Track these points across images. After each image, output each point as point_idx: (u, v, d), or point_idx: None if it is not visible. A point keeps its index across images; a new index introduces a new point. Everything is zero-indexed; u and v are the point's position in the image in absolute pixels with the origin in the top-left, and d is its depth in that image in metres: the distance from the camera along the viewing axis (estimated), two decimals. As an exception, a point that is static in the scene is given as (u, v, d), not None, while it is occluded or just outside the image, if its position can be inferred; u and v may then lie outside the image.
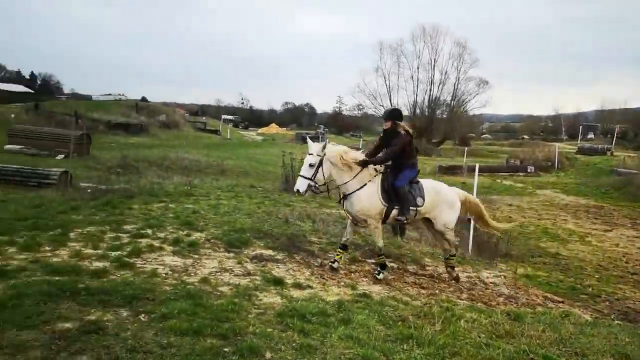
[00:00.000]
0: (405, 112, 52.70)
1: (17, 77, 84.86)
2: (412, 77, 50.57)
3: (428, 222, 6.62)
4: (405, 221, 6.37)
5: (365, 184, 6.19)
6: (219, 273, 5.30)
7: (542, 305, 5.61)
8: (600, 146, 36.55)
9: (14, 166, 11.76)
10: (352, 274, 6.07)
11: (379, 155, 6.44)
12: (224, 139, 42.60)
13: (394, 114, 6.51)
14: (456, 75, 49.76)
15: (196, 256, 5.79)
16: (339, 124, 72.82)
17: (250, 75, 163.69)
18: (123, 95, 60.14)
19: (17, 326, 3.20)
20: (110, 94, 60.64)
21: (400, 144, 6.26)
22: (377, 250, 6.32)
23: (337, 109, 79.21)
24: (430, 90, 50.80)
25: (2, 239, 5.46)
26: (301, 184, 5.93)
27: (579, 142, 45.95)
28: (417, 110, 52.09)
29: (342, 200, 6.31)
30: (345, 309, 4.48)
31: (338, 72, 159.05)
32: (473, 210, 7.03)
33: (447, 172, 24.03)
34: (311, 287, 5.23)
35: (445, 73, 49.86)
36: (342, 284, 5.56)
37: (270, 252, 6.48)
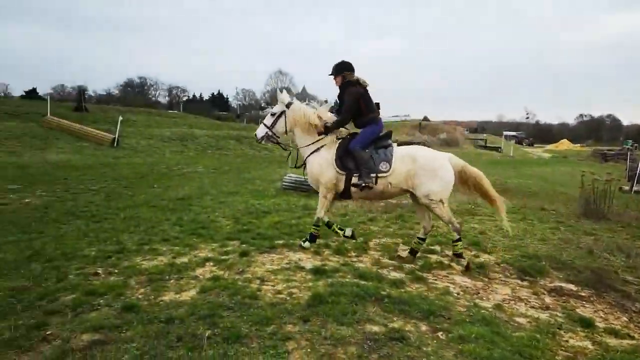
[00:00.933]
0: None
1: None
2: None
3: (413, 196, 5.66)
4: (364, 186, 5.49)
5: (319, 149, 5.73)
6: (513, 302, 4.91)
7: None
8: None
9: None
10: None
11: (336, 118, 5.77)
12: (506, 156, 40.40)
13: (340, 67, 5.73)
14: None
15: (486, 279, 5.53)
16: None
17: (536, 87, 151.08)
18: (408, 116, 64.49)
19: (337, 321, 3.68)
20: (397, 115, 65.98)
21: (352, 98, 5.61)
22: (315, 220, 5.92)
23: (652, 120, 64.81)
24: None
25: (320, 242, 6.47)
26: (259, 131, 5.87)
27: None
28: None
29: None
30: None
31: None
32: (472, 182, 5.72)
33: None
34: (631, 337, 4.26)
35: None
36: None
37: (571, 286, 5.65)
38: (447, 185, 5.56)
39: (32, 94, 54.95)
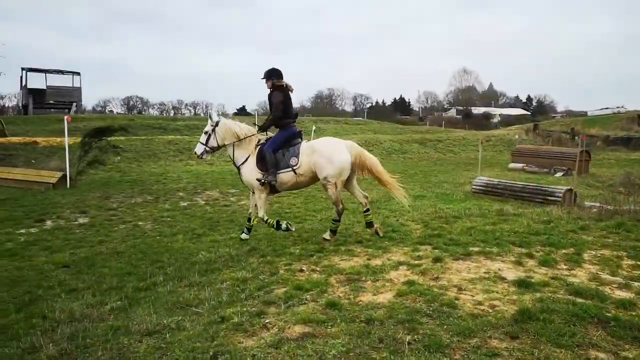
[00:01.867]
0: None
1: (515, 102, 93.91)
2: None
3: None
4: (274, 182, 6.54)
5: (248, 156, 6.76)
6: None
7: None
8: None
9: (520, 183, 12.79)
10: None
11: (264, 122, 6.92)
12: None
13: (269, 73, 6.71)
14: None
15: None
16: None
17: None
18: (622, 107, 54.94)
19: (551, 342, 3.27)
20: (607, 108, 56.87)
21: (277, 101, 6.59)
22: (259, 219, 6.91)
23: None
24: None
25: (522, 251, 5.91)
26: (197, 148, 6.90)
27: None
28: None
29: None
30: None
31: None
32: (367, 168, 6.60)
33: None
34: None
35: None
36: None
37: None
38: (340, 169, 6.41)
39: (242, 111, 64.04)
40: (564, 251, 5.83)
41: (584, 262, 5.39)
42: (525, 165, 22.50)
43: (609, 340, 3.31)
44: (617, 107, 55.43)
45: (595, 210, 8.87)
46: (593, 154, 23.74)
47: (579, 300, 4.07)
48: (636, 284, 4.66)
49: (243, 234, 7.20)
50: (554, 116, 68.99)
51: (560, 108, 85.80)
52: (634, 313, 3.83)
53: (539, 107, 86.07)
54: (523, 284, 4.54)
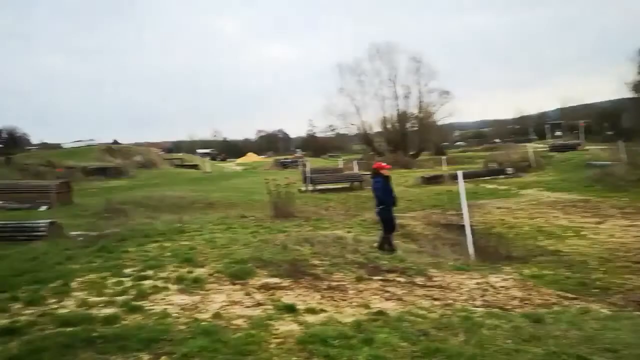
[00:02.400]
0: (377, 128, 53.78)
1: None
2: (376, 94, 51.76)
3: None
4: None
5: None
6: (230, 306, 5.18)
7: (557, 304, 5.62)
8: (570, 142, 37.62)
9: (0, 222, 11.36)
10: (362, 293, 6.00)
11: None
12: (205, 172, 42.29)
13: None
14: (418, 89, 51.22)
15: (203, 292, 5.65)
16: (315, 146, 73.35)
17: (220, 107, 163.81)
18: (93, 140, 59.15)
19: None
20: (80, 140, 59.67)
21: None
22: None
23: (310, 132, 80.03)
24: (397, 105, 51.96)
25: (4, 296, 5.23)
26: None
27: (550, 140, 47.32)
28: (389, 126, 53.02)
29: None
30: (364, 329, 4.41)
31: (306, 96, 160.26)
32: None
33: (430, 182, 24.26)
34: (325, 311, 5.14)
35: (408, 87, 51.35)
36: (355, 303, 5.49)
37: (275, 280, 6.38)
38: None
39: None
40: (52, 285, 5.63)
41: (72, 291, 5.40)
42: (4, 202, 20.27)
43: (97, 358, 3.45)
44: (89, 140, 59.09)
45: (81, 238, 9.09)
46: (74, 184, 24.32)
47: (69, 329, 4.02)
48: (119, 298, 5.10)
49: None
50: (29, 149, 65.82)
51: (35, 140, 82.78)
52: (118, 325, 4.17)
53: (11, 140, 79.65)
54: (3, 332, 4.02)
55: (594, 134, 56.81)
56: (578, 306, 5.46)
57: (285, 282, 6.30)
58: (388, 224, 8.74)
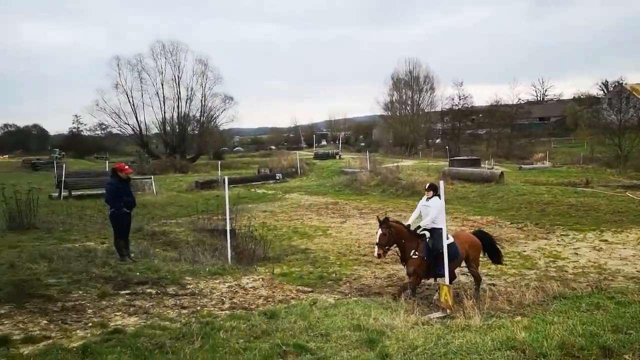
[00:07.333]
0: (154, 130, 51.00)
1: None
2: (157, 93, 49.15)
3: None
4: None
5: None
6: None
7: (295, 298, 6.13)
8: (330, 151, 42.76)
9: None
10: (103, 311, 5.46)
11: None
12: None
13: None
14: (202, 92, 50.59)
15: None
16: (79, 146, 65.00)
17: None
18: None
19: None
20: None
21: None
22: None
23: (74, 130, 70.66)
24: (179, 106, 50.33)
25: None
26: None
27: (314, 148, 52.86)
28: (168, 127, 50.92)
29: None
30: (91, 353, 3.99)
31: (72, 89, 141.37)
32: None
33: (204, 187, 24.14)
34: (49, 338, 4.47)
35: (191, 89, 50.19)
36: (90, 324, 4.95)
37: (-10, 306, 5.27)
38: None
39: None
40: None
41: None
42: None
43: None
44: None
45: None
46: None
47: None
48: None
49: None
50: None
51: None
52: None
53: None
54: None
55: (351, 144, 66.12)
56: (311, 298, 6.07)
57: (3, 309, 5.27)
58: (116, 228, 8.23)
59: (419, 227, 7.12)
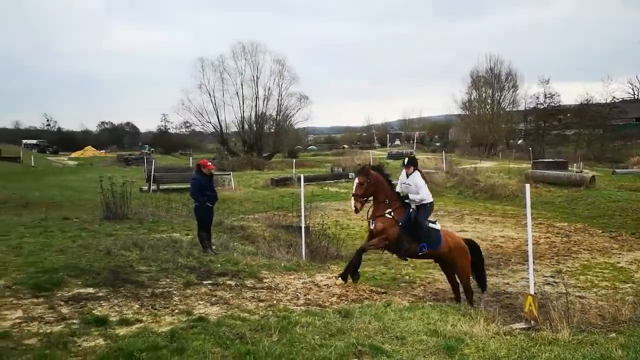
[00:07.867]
0: (233, 128, 53.23)
1: None
2: (237, 93, 51.20)
3: None
4: None
5: None
6: (25, 323, 4.53)
7: (368, 298, 6.12)
8: (404, 151, 42.09)
9: None
10: (188, 299, 5.78)
11: None
12: (27, 167, 36.90)
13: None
14: (279, 91, 51.98)
15: (-9, 309, 4.85)
16: (166, 143, 69.45)
17: (57, 94, 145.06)
18: None
19: None
20: None
21: None
22: None
23: (162, 128, 75.60)
24: (256, 106, 52.09)
25: None
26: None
27: (387, 148, 52.37)
28: (246, 126, 52.91)
29: None
30: (179, 338, 4.24)
31: (161, 89, 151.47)
32: None
33: (279, 184, 24.79)
34: (140, 321, 4.82)
35: (269, 89, 51.74)
36: (177, 311, 5.26)
37: (90, 290, 5.80)
38: None
39: None
40: None
41: None
42: None
43: None
44: None
45: None
46: None
47: None
48: None
49: None
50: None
51: None
52: None
53: None
54: None
55: (426, 144, 64.70)
56: (384, 299, 6.02)
57: (102, 292, 5.76)
58: (199, 221, 8.75)
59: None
